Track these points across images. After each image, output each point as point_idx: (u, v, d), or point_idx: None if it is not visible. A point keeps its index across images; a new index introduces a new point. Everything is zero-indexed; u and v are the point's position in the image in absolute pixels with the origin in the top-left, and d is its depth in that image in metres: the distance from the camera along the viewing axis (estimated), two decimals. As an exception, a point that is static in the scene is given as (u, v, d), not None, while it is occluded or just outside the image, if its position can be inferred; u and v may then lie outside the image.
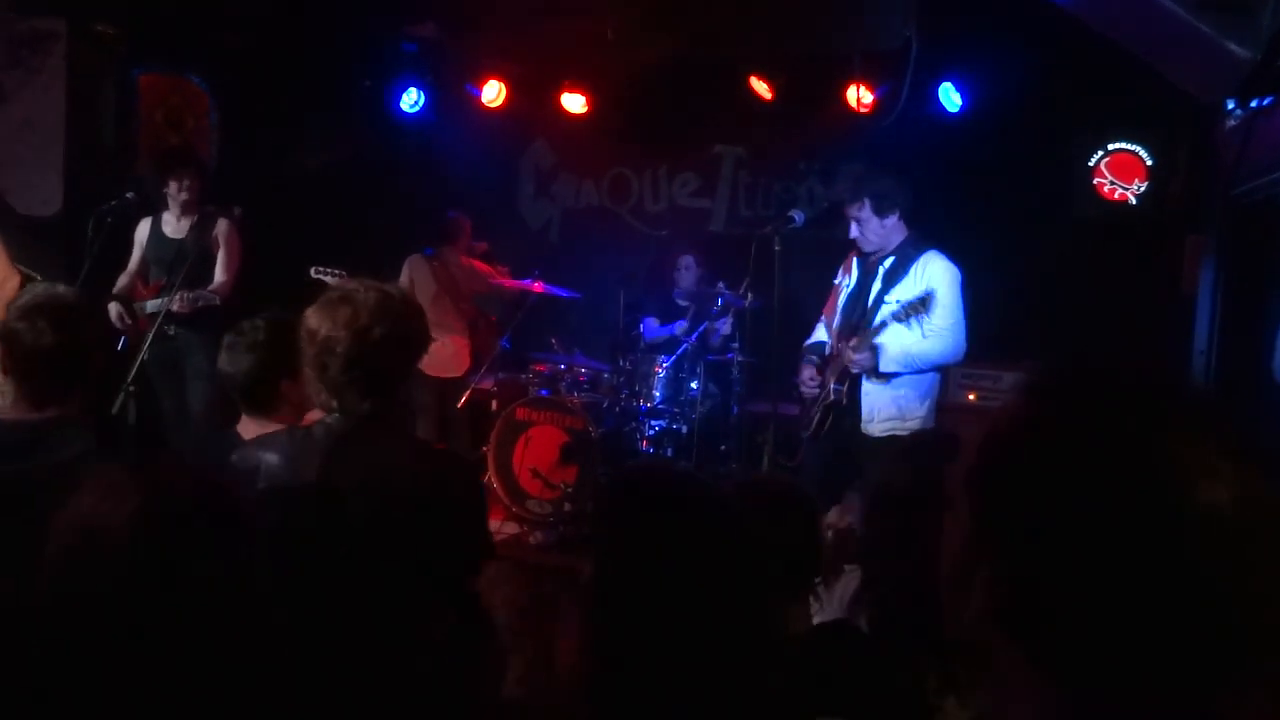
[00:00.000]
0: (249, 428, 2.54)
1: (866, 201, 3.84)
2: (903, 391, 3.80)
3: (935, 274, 3.78)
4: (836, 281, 4.14)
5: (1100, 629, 0.68)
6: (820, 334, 4.18)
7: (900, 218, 3.87)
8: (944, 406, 5.21)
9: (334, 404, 2.10)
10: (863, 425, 3.81)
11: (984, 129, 5.50)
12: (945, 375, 5.24)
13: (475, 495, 2.22)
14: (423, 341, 2.24)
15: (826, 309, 4.17)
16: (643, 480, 1.48)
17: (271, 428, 2.50)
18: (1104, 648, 0.68)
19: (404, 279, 5.66)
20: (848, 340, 3.85)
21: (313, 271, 5.22)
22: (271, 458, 2.09)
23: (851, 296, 4.00)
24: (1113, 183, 5.41)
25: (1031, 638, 0.71)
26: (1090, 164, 5.44)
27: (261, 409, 2.53)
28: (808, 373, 4.05)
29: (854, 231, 3.91)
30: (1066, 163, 5.51)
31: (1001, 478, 0.74)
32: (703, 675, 1.25)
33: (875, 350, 3.74)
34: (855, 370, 3.81)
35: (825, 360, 4.04)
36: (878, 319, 3.79)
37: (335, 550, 1.97)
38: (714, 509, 1.38)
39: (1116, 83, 4.95)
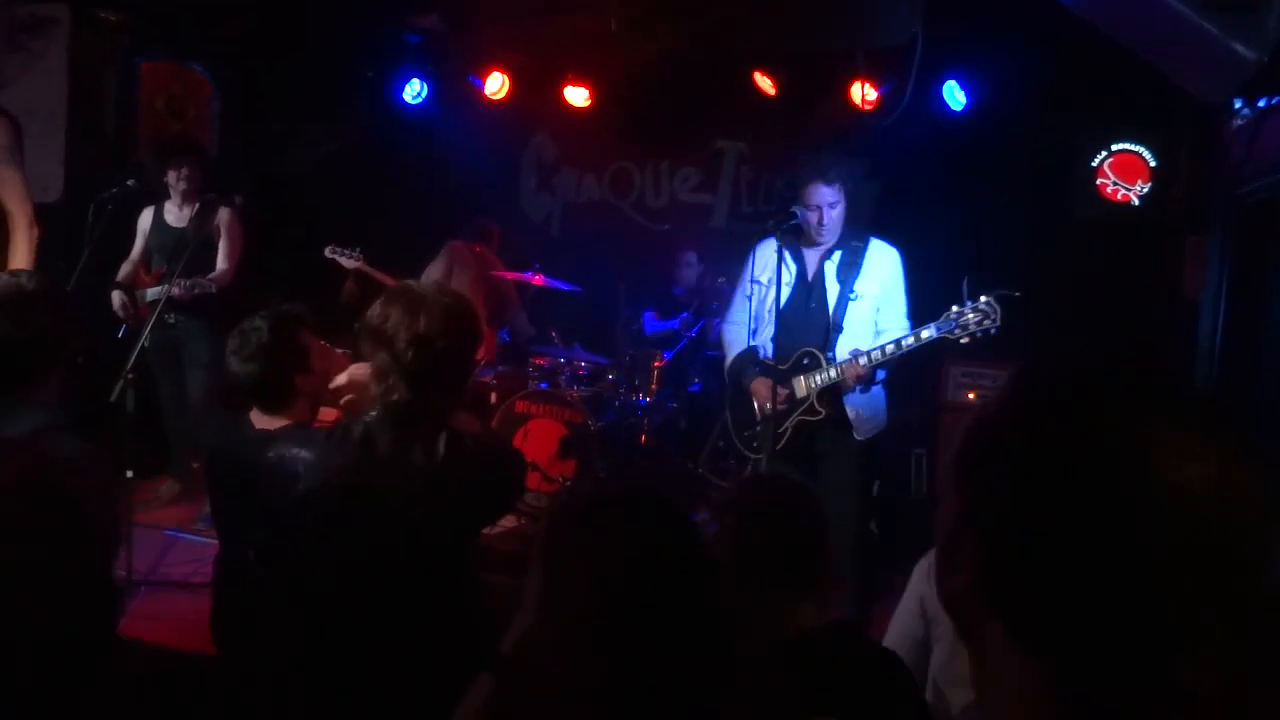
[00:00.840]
0: (260, 419, 2.56)
1: (841, 185, 3.68)
2: (876, 392, 3.78)
3: (891, 264, 3.73)
4: (759, 278, 3.83)
5: (1071, 599, 0.70)
6: (739, 337, 3.89)
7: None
8: (944, 406, 5.24)
9: (393, 398, 2.08)
10: (854, 432, 3.72)
11: (987, 128, 5.50)
12: (945, 375, 5.28)
13: (517, 493, 2.24)
14: (477, 345, 2.26)
15: (737, 310, 3.94)
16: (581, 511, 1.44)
17: (281, 422, 2.52)
18: (1075, 617, 0.70)
19: (443, 262, 5.64)
20: (819, 350, 3.67)
21: (327, 251, 5.24)
22: (307, 456, 2.07)
23: (797, 296, 3.75)
24: (1115, 183, 5.40)
25: (1008, 609, 0.74)
26: (1093, 164, 5.43)
27: (274, 406, 2.54)
28: (766, 386, 3.69)
29: (826, 218, 3.65)
30: (1069, 163, 5.50)
31: (984, 456, 0.77)
32: (698, 673, 1.25)
33: (875, 370, 3.61)
34: (855, 387, 3.62)
35: (776, 369, 3.71)
36: (845, 320, 3.67)
37: (374, 550, 1.97)
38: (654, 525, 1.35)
39: (1120, 83, 4.94)
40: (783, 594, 1.71)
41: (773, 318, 3.71)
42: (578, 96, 6.34)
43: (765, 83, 5.90)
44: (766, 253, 3.84)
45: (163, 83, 6.04)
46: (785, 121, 6.08)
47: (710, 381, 5.64)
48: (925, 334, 3.48)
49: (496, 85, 6.37)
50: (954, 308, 3.45)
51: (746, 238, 6.24)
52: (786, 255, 3.74)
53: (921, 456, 5.21)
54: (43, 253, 4.14)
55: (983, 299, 3.39)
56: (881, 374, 3.69)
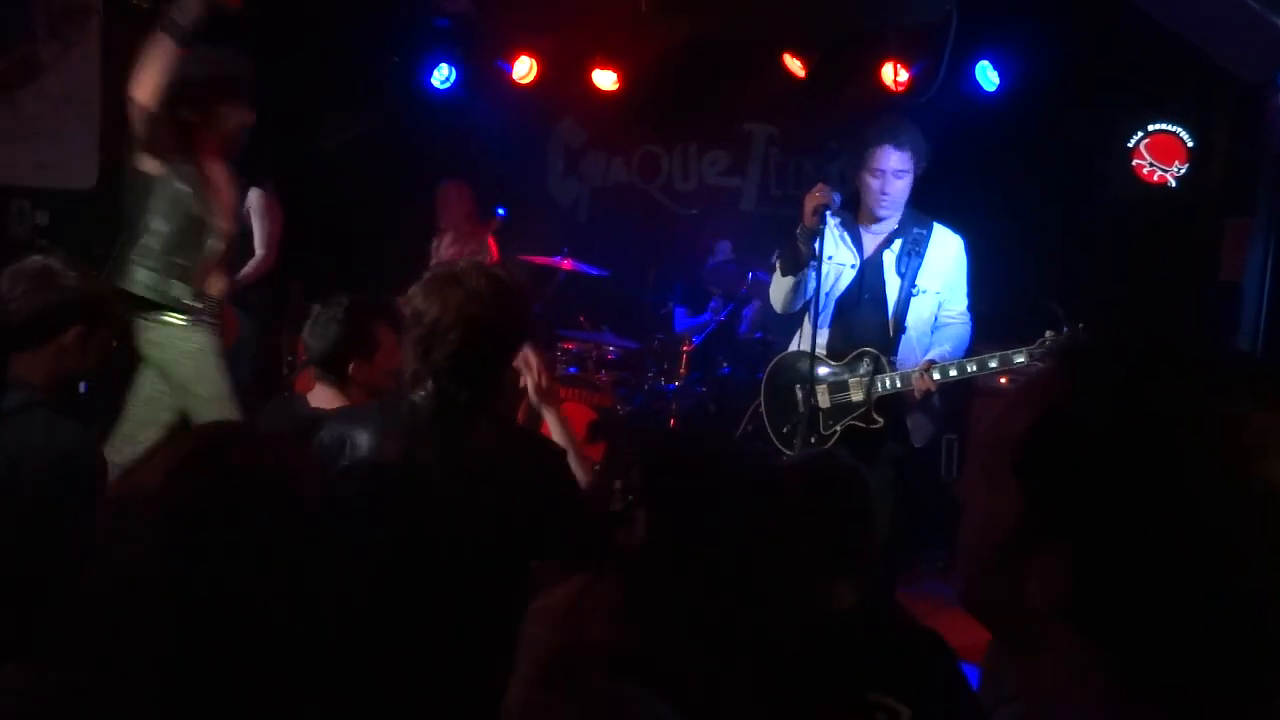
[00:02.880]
0: (320, 396, 2.64)
1: (912, 152, 3.28)
2: (936, 396, 3.44)
3: (955, 255, 3.42)
4: (823, 256, 3.36)
5: (1176, 618, 0.66)
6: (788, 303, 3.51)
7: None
8: (976, 391, 5.18)
9: (429, 386, 2.03)
10: (911, 439, 3.43)
11: (1021, 109, 5.42)
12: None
13: (564, 485, 2.14)
14: (526, 330, 2.18)
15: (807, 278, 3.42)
16: (686, 453, 1.47)
17: (339, 401, 2.56)
18: (1179, 638, 0.66)
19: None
20: (880, 352, 3.37)
21: None
22: (361, 434, 2.05)
23: (856, 285, 3.42)
24: (1152, 164, 5.32)
25: (1099, 629, 0.69)
26: (1129, 145, 5.35)
27: (335, 382, 2.63)
28: (809, 393, 3.38)
29: (890, 186, 3.27)
30: (1105, 144, 5.42)
31: (1065, 461, 0.70)
32: (743, 647, 1.27)
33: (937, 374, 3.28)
34: (921, 396, 3.31)
35: (829, 364, 3.44)
36: (909, 318, 3.37)
37: (417, 531, 1.97)
38: (754, 481, 1.39)
39: (1156, 62, 4.86)
40: (825, 572, 1.71)
41: (830, 304, 3.42)
42: (606, 80, 6.31)
43: (795, 64, 5.84)
44: (830, 224, 3.36)
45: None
46: (815, 103, 6.02)
47: (739, 366, 5.61)
48: (1018, 360, 3.14)
49: (524, 69, 6.35)
50: (1048, 333, 3.13)
51: (776, 221, 6.24)
52: (846, 236, 3.42)
53: (953, 442, 5.16)
54: (79, 238, 4.18)
55: (1079, 327, 3.08)
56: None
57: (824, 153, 6.36)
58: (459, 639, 1.96)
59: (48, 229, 5.37)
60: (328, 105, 6.25)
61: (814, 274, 3.32)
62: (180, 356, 3.29)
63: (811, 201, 3.26)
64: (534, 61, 6.33)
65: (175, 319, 3.31)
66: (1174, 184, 5.29)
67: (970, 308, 3.49)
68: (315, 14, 5.87)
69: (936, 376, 3.24)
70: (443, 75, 6.41)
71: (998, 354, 3.19)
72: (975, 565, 0.77)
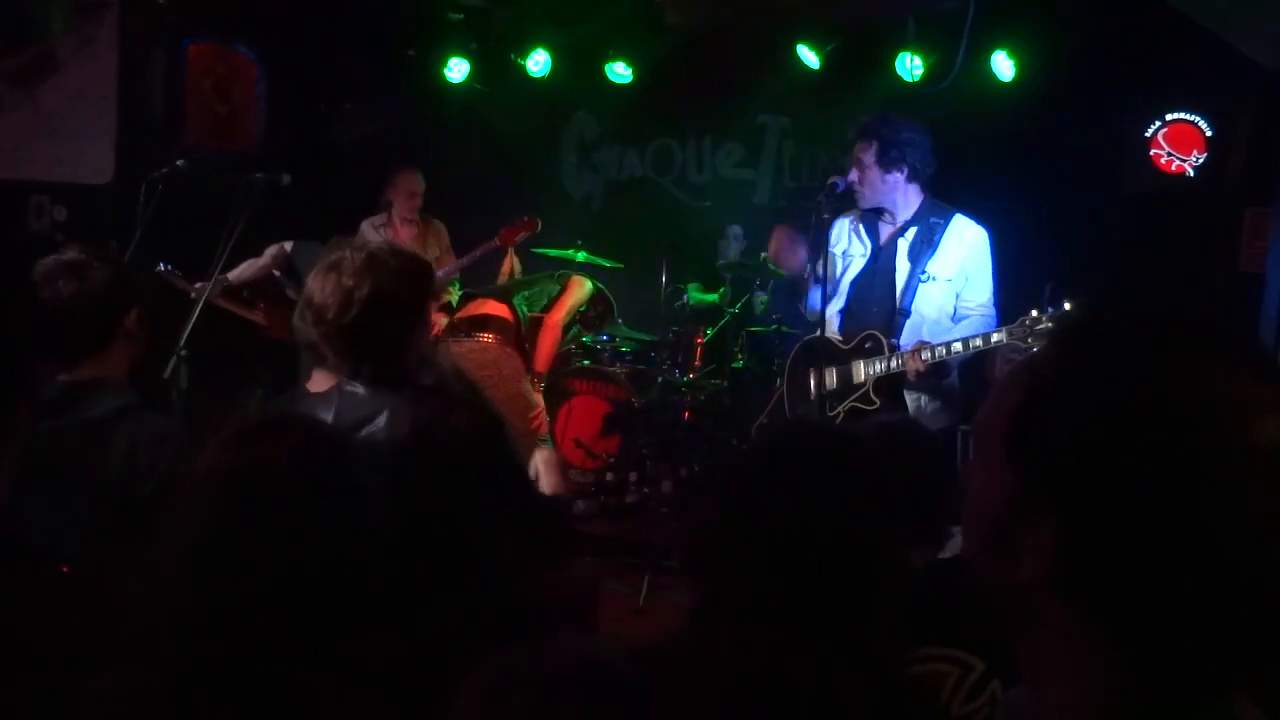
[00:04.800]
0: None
1: (874, 145, 3.45)
2: (949, 379, 3.53)
3: (971, 244, 3.46)
4: (832, 248, 3.64)
5: (1163, 584, 0.66)
6: (815, 298, 3.69)
7: (909, 179, 3.48)
8: (991, 383, 5.17)
9: (340, 370, 2.11)
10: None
11: (1036, 98, 5.38)
12: (991, 350, 5.20)
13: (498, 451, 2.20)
14: (421, 299, 2.22)
15: (810, 279, 3.72)
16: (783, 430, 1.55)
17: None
18: (1167, 605, 0.66)
19: None
20: (882, 335, 3.46)
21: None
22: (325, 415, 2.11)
23: (866, 272, 3.59)
24: (1170, 154, 5.28)
25: (1097, 606, 0.69)
26: (1146, 135, 5.31)
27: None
28: (818, 377, 3.54)
29: (851, 175, 3.51)
30: (1121, 134, 5.39)
31: (1051, 432, 0.70)
32: (827, 607, 1.29)
33: (942, 365, 3.35)
34: (914, 379, 3.37)
35: (838, 348, 3.57)
36: (914, 304, 3.45)
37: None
38: (846, 456, 1.42)
39: (1175, 50, 4.82)
40: (905, 538, 1.72)
41: (844, 292, 3.60)
42: (620, 73, 6.31)
43: (808, 56, 5.82)
44: (843, 223, 3.69)
45: (209, 65, 6.09)
46: (829, 95, 6.00)
47: (753, 358, 5.61)
48: (995, 338, 3.23)
49: (539, 63, 6.35)
50: (1033, 312, 3.16)
51: (790, 213, 6.22)
52: (861, 228, 3.62)
53: (968, 434, 5.14)
54: (96, 233, 4.21)
55: (1064, 307, 3.09)
56: (955, 364, 3.44)
57: (839, 144, 6.32)
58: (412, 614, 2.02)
59: (66, 224, 5.41)
60: (344, 101, 6.27)
61: (825, 265, 3.54)
62: None
63: None
64: (548, 55, 6.33)
65: None
66: (1192, 174, 5.25)
67: (996, 303, 3.49)
68: (331, 10, 5.89)
69: (925, 357, 3.30)
70: (457, 70, 6.42)
71: (980, 334, 3.27)
72: (976, 544, 0.78)
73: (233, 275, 4.90)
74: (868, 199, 3.54)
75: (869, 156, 3.47)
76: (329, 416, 2.10)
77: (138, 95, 5.69)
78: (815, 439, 1.52)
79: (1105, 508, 0.67)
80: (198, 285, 4.41)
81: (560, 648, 1.07)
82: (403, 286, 2.17)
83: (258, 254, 5.09)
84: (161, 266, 4.72)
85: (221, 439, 1.28)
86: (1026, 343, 3.12)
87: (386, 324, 2.14)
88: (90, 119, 5.56)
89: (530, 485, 2.36)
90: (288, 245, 5.16)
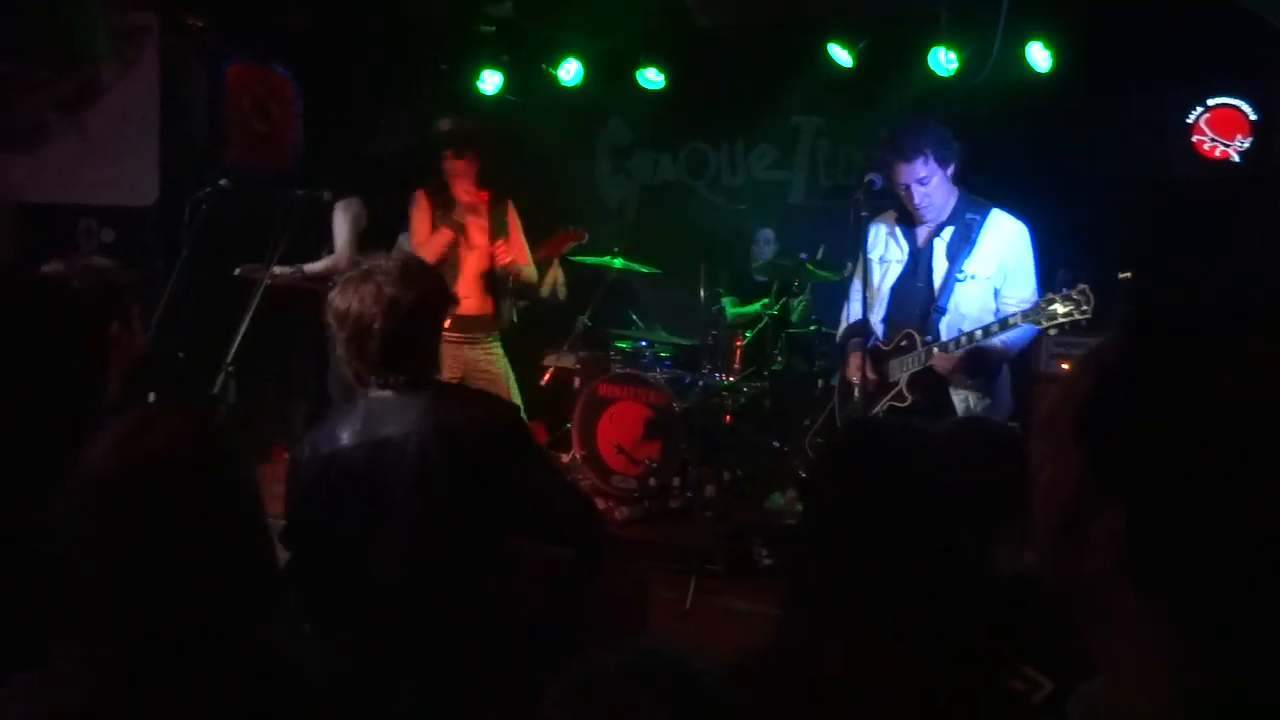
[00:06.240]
0: None
1: (928, 154, 3.34)
2: (996, 377, 3.50)
3: (1010, 238, 3.41)
4: (869, 254, 3.62)
5: (1238, 575, 0.64)
6: (855, 310, 3.68)
7: (954, 175, 3.43)
8: (1036, 377, 5.10)
9: (370, 380, 2.16)
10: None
11: (1073, 88, 5.31)
12: (1038, 344, 5.13)
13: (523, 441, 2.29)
14: (447, 304, 2.32)
15: (859, 285, 3.67)
16: (863, 433, 1.53)
17: None
18: (1243, 597, 0.65)
19: None
20: (917, 333, 3.45)
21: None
22: (343, 435, 2.18)
23: (905, 276, 3.56)
24: (1213, 140, 5.19)
25: (1167, 593, 0.68)
26: (1189, 121, 5.22)
27: None
28: (859, 363, 3.51)
29: (917, 197, 3.40)
30: (1163, 120, 5.30)
31: (1118, 415, 0.69)
32: (912, 614, 1.28)
33: (974, 358, 3.34)
34: (943, 374, 3.38)
35: (880, 350, 3.59)
36: (950, 302, 3.43)
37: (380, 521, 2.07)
38: (928, 457, 1.41)
39: (1216, 34, 4.74)
40: (990, 538, 1.70)
41: (885, 299, 3.57)
42: (651, 79, 6.33)
43: (840, 55, 5.80)
44: (880, 229, 3.65)
45: (248, 85, 6.20)
46: (863, 92, 5.96)
47: (793, 359, 5.59)
48: (1013, 321, 3.22)
49: (570, 72, 6.38)
50: (1047, 294, 3.17)
51: (826, 213, 6.19)
52: (898, 231, 3.57)
53: (1014, 431, 5.08)
54: (144, 253, 4.30)
55: (1078, 287, 3.09)
56: (996, 359, 3.41)
57: (873, 142, 6.29)
58: (436, 601, 2.08)
59: (113, 245, 5.52)
60: (379, 114, 6.35)
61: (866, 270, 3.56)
62: None
63: None
64: (580, 64, 6.36)
65: None
66: (1237, 159, 5.15)
67: (1031, 297, 3.42)
68: (364, 26, 5.97)
69: (951, 349, 3.31)
70: (489, 81, 6.47)
71: (997, 320, 3.27)
72: (1046, 534, 0.77)
73: (308, 268, 5.00)
74: (938, 208, 3.45)
75: (929, 167, 3.37)
76: (359, 425, 2.15)
77: (179, 117, 5.80)
78: (891, 439, 1.50)
79: (1173, 492, 0.66)
80: (275, 271, 4.45)
81: (640, 650, 1.07)
82: (439, 292, 2.27)
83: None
84: (237, 270, 4.80)
85: (102, 437, 1.29)
86: (1043, 325, 3.12)
87: (427, 330, 2.23)
88: (134, 142, 5.68)
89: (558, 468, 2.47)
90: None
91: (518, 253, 4.75)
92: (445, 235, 4.63)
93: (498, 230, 4.67)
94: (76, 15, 4.99)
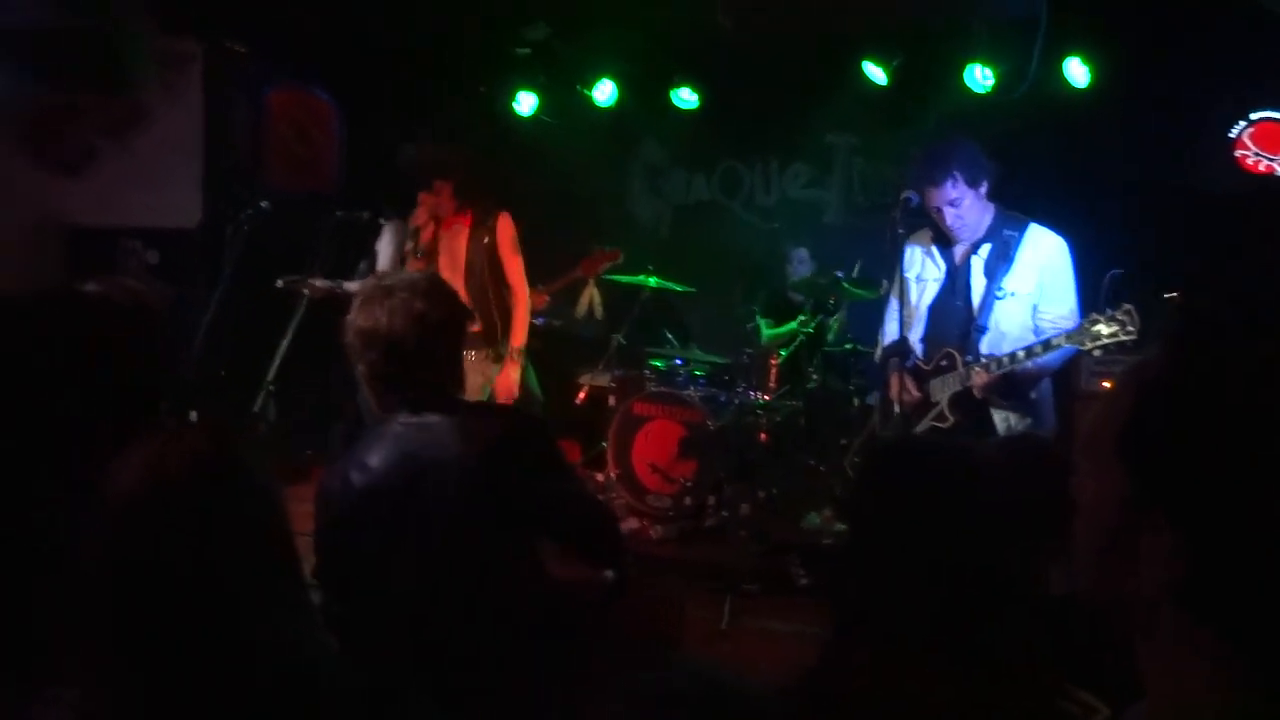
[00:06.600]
0: None
1: (957, 175, 3.31)
2: (1035, 396, 3.44)
3: (1049, 254, 3.36)
4: (906, 274, 3.60)
5: None
6: (892, 330, 3.66)
7: (988, 191, 3.39)
8: (1076, 394, 5.03)
9: (397, 402, 2.12)
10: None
11: (1112, 103, 5.27)
12: (1078, 361, 5.06)
13: (552, 455, 2.24)
14: (467, 320, 2.28)
15: (896, 304, 3.64)
16: (905, 451, 1.51)
17: None
18: None
19: None
20: (958, 352, 3.41)
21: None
22: (373, 458, 2.13)
23: (943, 295, 3.52)
24: (1257, 154, 5.11)
25: (1219, 612, 0.67)
26: (1231, 135, 5.15)
27: None
28: (899, 382, 3.50)
29: (949, 219, 3.37)
30: (1205, 134, 5.24)
31: (1162, 431, 0.69)
32: (957, 632, 1.27)
33: (1007, 378, 3.28)
34: (983, 395, 3.32)
35: (921, 369, 3.55)
36: (990, 320, 3.38)
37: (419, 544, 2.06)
38: (972, 475, 1.40)
39: (1259, 48, 4.68)
40: (1040, 556, 1.68)
41: (923, 318, 3.54)
42: (685, 99, 6.36)
43: (875, 73, 5.79)
44: (915, 249, 3.62)
45: (289, 110, 6.32)
46: (898, 110, 5.95)
47: (828, 379, 5.56)
48: (1056, 341, 3.15)
49: (605, 93, 6.43)
50: (1091, 315, 3.10)
51: (861, 232, 6.17)
52: (934, 250, 3.54)
53: (1061, 448, 5.01)
54: (187, 274, 4.39)
55: (1123, 307, 3.01)
56: (1036, 379, 3.38)
57: (909, 159, 6.26)
58: (467, 614, 2.06)
59: (158, 267, 5.63)
60: (419, 136, 6.43)
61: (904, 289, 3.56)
62: None
63: None
64: (614, 84, 6.41)
65: None
66: (1281, 173, 5.08)
67: (1081, 314, 3.35)
68: (402, 49, 6.06)
69: (991, 369, 3.26)
70: (525, 102, 6.54)
71: (1040, 340, 3.21)
72: (1089, 554, 0.76)
73: (348, 285, 5.01)
74: (972, 228, 3.42)
75: (959, 189, 3.34)
76: (392, 451, 2.10)
77: (222, 141, 5.92)
78: (930, 456, 1.49)
79: (1221, 510, 0.65)
80: (316, 283, 4.47)
81: (685, 671, 1.07)
82: (461, 308, 2.25)
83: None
84: (279, 282, 4.82)
85: (126, 458, 1.30)
86: (1086, 345, 3.05)
87: (454, 347, 2.20)
88: (178, 165, 5.81)
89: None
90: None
91: (510, 272, 4.55)
92: (412, 266, 4.46)
93: (479, 252, 4.48)
94: (126, 45, 5.11)
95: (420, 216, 4.49)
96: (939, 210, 3.39)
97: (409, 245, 4.55)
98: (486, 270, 4.47)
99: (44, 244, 5.74)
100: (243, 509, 1.31)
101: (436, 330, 2.08)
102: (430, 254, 4.53)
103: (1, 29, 4.97)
